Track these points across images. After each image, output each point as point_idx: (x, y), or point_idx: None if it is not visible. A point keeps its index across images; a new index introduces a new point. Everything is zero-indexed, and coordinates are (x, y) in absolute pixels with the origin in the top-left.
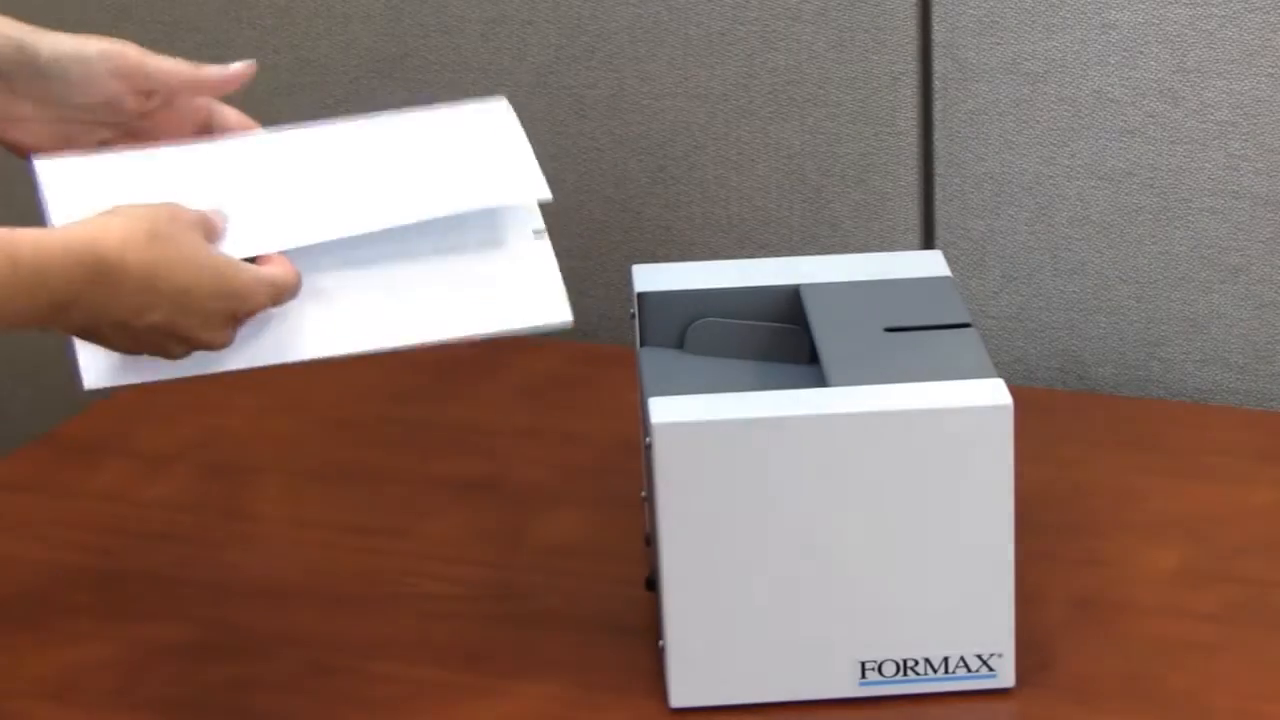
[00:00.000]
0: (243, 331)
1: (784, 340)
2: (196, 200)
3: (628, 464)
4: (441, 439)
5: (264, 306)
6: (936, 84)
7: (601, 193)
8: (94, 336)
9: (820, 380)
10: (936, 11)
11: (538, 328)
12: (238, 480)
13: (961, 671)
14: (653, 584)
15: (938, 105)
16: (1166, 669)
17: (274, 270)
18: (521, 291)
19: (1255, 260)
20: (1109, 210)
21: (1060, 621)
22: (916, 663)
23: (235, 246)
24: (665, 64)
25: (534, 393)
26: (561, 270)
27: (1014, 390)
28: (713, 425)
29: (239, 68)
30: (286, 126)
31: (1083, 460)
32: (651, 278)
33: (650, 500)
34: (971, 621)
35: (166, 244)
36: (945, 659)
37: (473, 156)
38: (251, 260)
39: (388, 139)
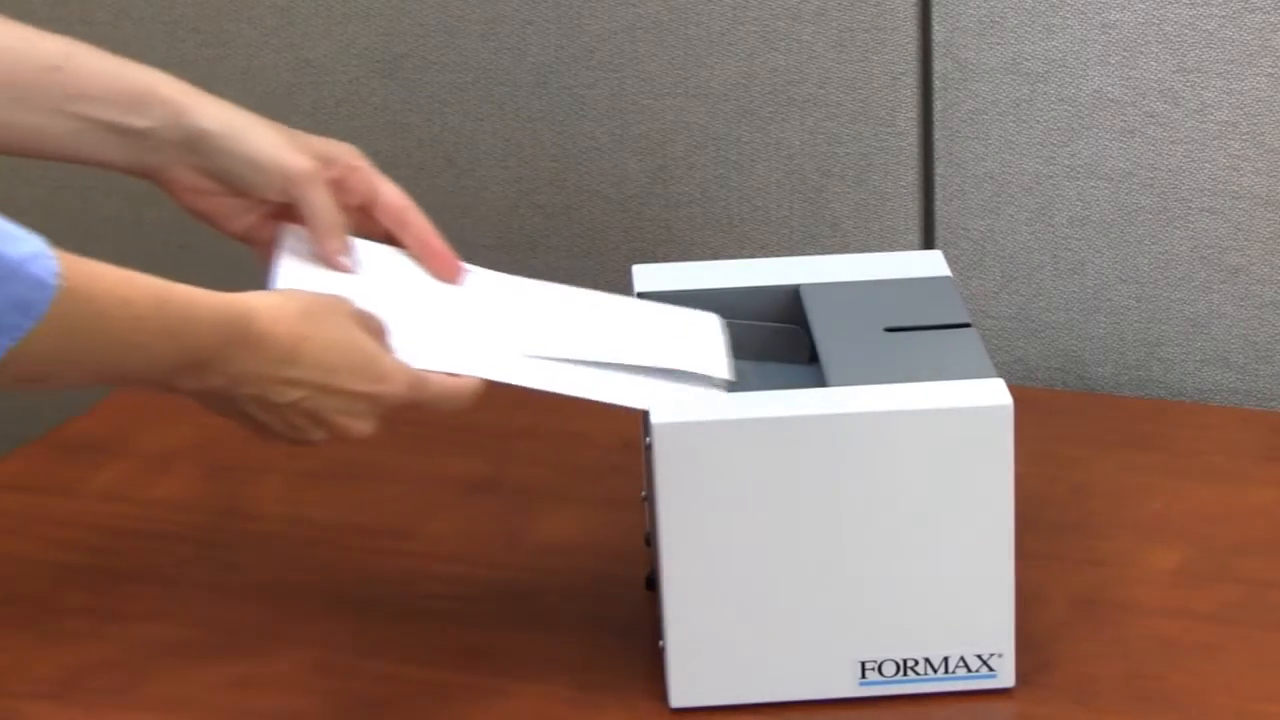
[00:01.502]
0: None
1: (784, 340)
2: (404, 307)
3: (628, 464)
4: (442, 439)
5: (403, 398)
6: (936, 84)
7: (601, 193)
8: (230, 408)
9: (820, 380)
10: (936, 11)
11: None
12: (238, 480)
13: (961, 671)
14: (653, 584)
15: (938, 105)
16: (1166, 669)
17: (439, 375)
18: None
19: (1255, 260)
20: (1109, 210)
21: (1060, 621)
22: (916, 663)
23: (416, 356)
24: (665, 64)
25: (534, 392)
26: (561, 270)
27: (1014, 390)
28: (713, 425)
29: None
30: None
31: (1083, 460)
32: (651, 278)
33: (650, 500)
34: (971, 621)
35: (316, 322)
36: (945, 659)
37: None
38: None
39: (600, 311)
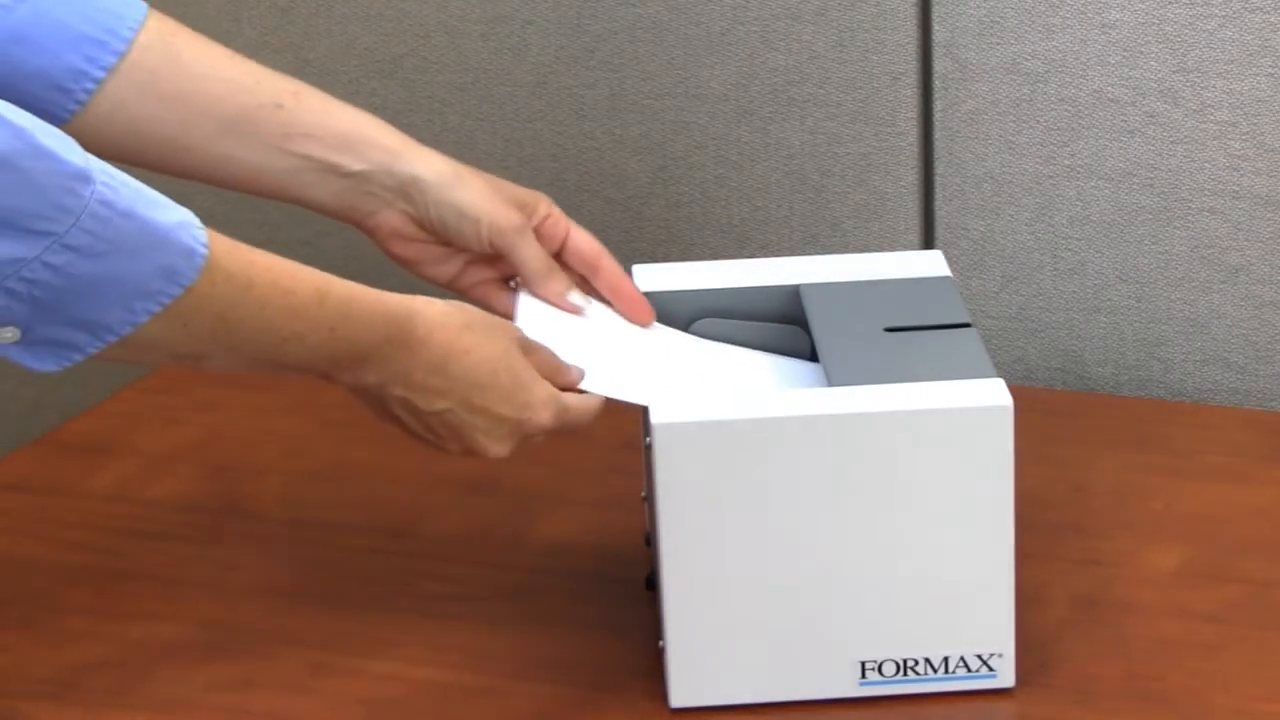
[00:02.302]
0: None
1: (784, 340)
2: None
3: (628, 464)
4: None
5: (546, 427)
6: (936, 84)
7: (602, 193)
8: (378, 406)
9: (820, 380)
10: (936, 11)
11: None
12: (238, 480)
13: (961, 671)
14: (653, 584)
15: (938, 105)
16: (1166, 669)
17: (575, 397)
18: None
19: (1255, 260)
20: (1109, 210)
21: (1060, 621)
22: (916, 663)
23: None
24: (665, 64)
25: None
26: None
27: (1014, 390)
28: (713, 425)
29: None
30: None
31: (1083, 460)
32: (652, 278)
33: (650, 500)
34: (971, 621)
35: (476, 337)
36: (945, 659)
37: None
38: None
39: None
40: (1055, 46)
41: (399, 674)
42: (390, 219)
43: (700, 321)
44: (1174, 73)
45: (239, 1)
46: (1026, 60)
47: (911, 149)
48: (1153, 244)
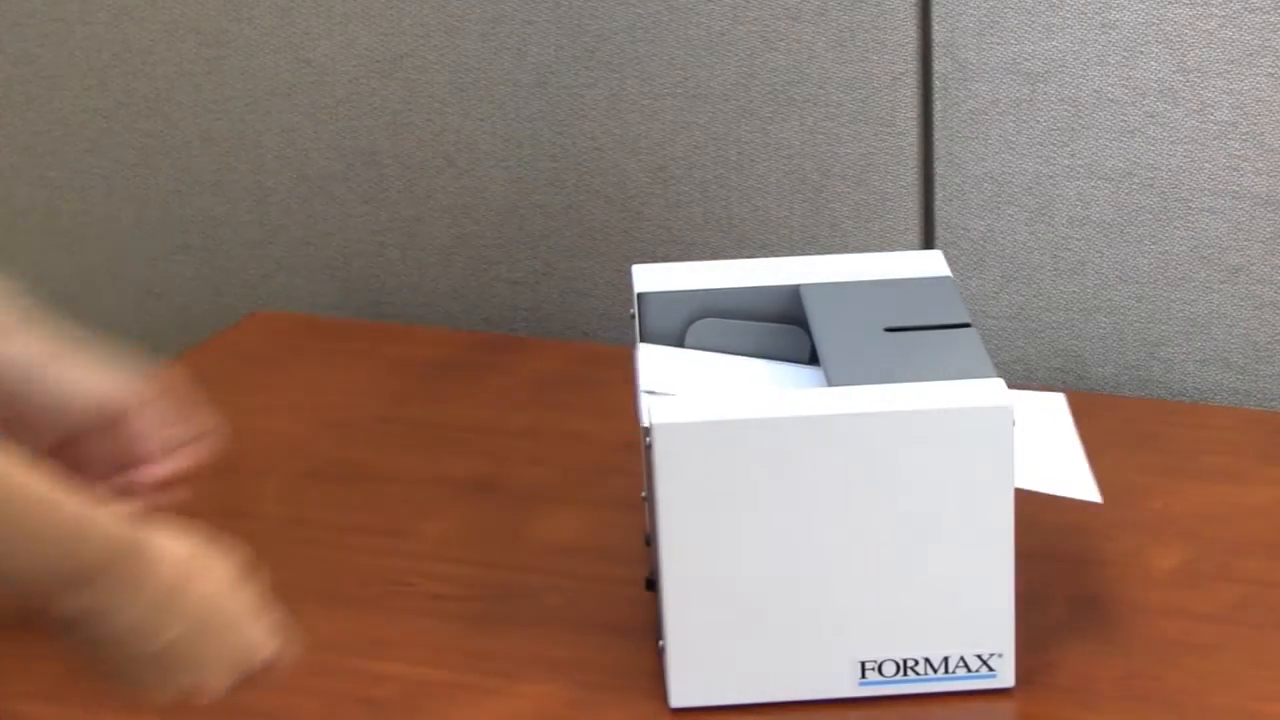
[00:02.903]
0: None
1: (784, 340)
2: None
3: (628, 464)
4: (441, 439)
5: (266, 661)
6: (936, 84)
7: (602, 193)
8: (91, 644)
9: (820, 380)
10: (936, 11)
11: None
12: (238, 480)
13: (961, 671)
14: (653, 584)
15: (938, 105)
16: (1166, 669)
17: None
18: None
19: (1255, 260)
20: (1109, 210)
21: (1060, 621)
22: (916, 663)
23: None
24: (665, 64)
25: (534, 393)
26: (561, 270)
27: (1014, 390)
28: (713, 425)
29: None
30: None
31: None
32: (651, 278)
33: (650, 500)
34: (971, 621)
35: (200, 567)
36: (945, 659)
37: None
38: None
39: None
40: (1055, 46)
41: (399, 674)
42: None
43: (699, 322)
44: (1174, 73)
45: (239, 1)
46: (1026, 60)
47: (911, 149)
48: (1153, 244)
